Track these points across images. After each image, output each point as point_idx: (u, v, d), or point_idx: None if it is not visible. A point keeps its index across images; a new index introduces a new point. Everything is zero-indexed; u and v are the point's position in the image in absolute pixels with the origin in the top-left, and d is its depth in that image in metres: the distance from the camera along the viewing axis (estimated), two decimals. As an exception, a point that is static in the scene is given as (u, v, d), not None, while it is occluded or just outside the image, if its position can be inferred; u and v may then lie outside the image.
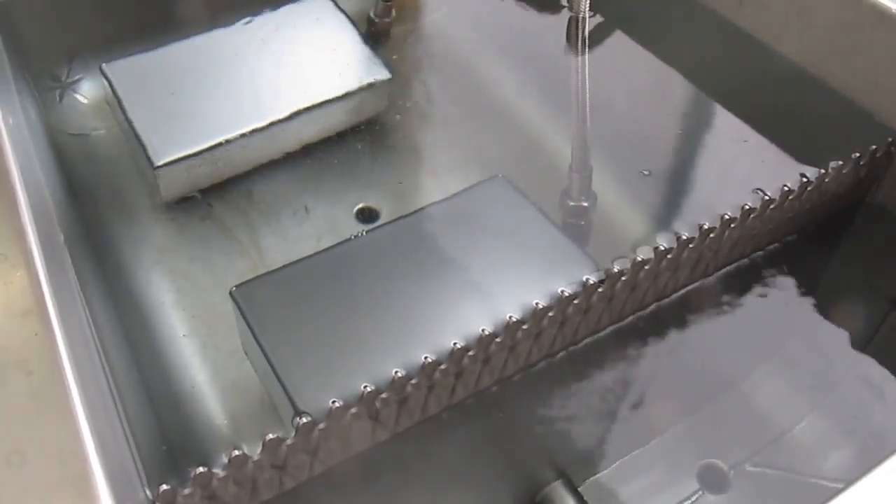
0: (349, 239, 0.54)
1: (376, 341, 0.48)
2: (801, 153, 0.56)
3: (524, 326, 0.44)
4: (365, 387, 0.40)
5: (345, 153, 0.67)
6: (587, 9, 0.58)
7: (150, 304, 0.59)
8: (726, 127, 0.63)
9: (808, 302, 0.58)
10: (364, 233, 0.55)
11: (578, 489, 0.54)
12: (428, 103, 0.71)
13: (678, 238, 0.48)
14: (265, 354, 0.48)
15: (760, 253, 0.55)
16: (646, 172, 0.61)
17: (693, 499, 0.55)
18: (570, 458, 0.55)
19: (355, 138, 0.68)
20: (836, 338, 0.57)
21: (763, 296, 0.57)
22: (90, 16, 0.70)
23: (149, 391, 0.54)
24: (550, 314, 0.45)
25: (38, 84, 0.69)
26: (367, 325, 0.49)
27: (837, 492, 0.37)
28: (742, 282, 0.56)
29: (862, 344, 0.57)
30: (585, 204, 0.59)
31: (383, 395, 0.41)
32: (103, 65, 0.66)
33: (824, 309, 0.58)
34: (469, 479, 0.54)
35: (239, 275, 0.60)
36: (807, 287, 0.58)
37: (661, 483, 0.55)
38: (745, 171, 0.59)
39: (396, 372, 0.41)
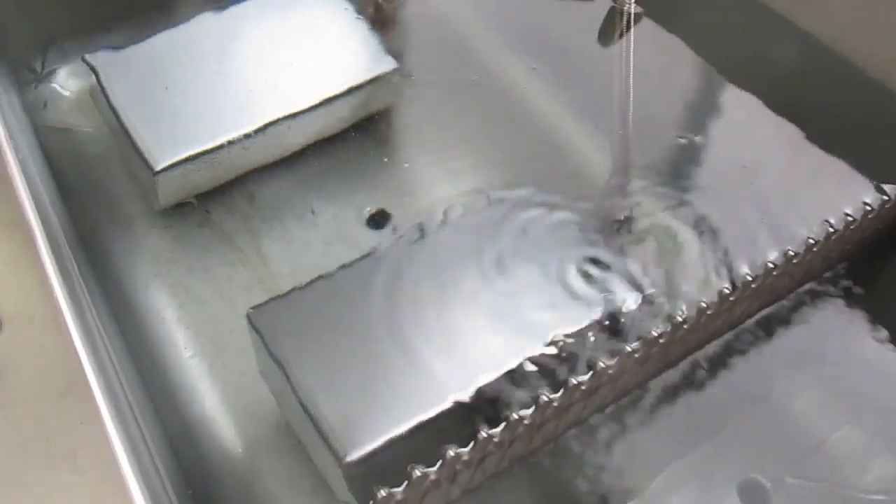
0: (373, 252, 0.51)
1: (412, 368, 0.45)
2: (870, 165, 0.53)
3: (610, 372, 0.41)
4: (447, 449, 0.37)
5: (351, 151, 0.63)
6: (633, 0, 0.53)
7: (150, 320, 0.56)
8: (783, 137, 0.60)
9: (850, 314, 0.57)
10: (391, 245, 0.52)
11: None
12: (438, 94, 0.67)
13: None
14: (295, 392, 0.44)
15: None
16: (689, 177, 0.58)
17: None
18: (609, 483, 0.53)
19: (362, 135, 0.64)
20: (877, 349, 0.56)
21: (805, 308, 0.56)
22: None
23: (158, 419, 0.50)
24: (637, 356, 0.42)
25: (18, 77, 0.64)
26: (401, 350, 0.46)
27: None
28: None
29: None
30: (623, 214, 0.56)
31: (465, 458, 0.37)
32: (87, 55, 0.60)
33: (866, 321, 0.56)
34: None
35: (243, 286, 0.57)
36: (850, 302, 0.56)
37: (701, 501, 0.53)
38: (803, 184, 0.56)
39: (481, 433, 0.37)
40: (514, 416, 0.38)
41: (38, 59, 0.66)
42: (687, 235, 0.55)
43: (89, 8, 0.67)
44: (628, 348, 0.41)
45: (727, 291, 0.43)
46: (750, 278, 0.43)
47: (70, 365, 0.34)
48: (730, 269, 0.45)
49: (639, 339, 0.42)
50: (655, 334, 0.42)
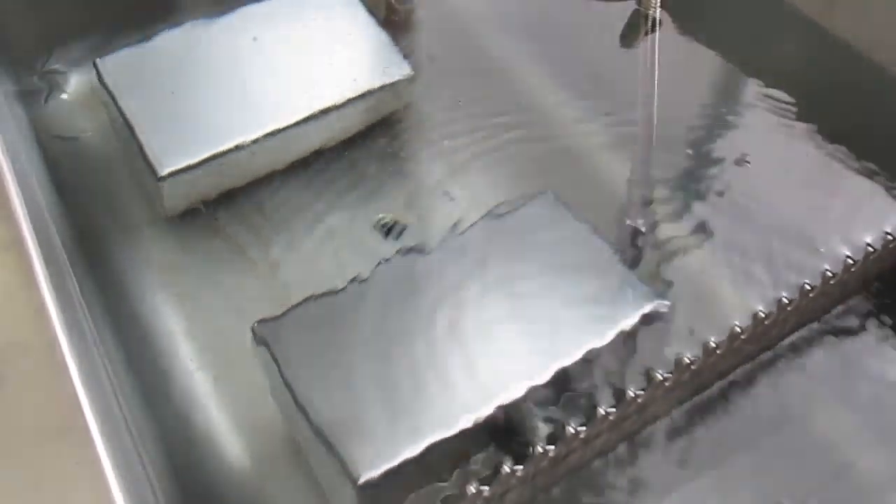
0: (386, 263, 0.49)
1: (425, 386, 0.43)
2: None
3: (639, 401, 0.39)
4: (468, 486, 0.35)
5: (363, 157, 0.61)
6: (658, 4, 0.51)
7: (156, 331, 0.54)
8: (819, 150, 0.58)
9: (882, 335, 0.54)
10: (403, 254, 0.50)
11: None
12: (454, 99, 0.65)
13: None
14: (302, 410, 0.43)
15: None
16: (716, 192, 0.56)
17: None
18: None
19: (374, 140, 0.62)
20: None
21: (836, 329, 0.53)
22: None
23: (163, 435, 0.49)
24: (668, 384, 0.40)
25: (20, 80, 0.63)
26: (415, 367, 0.44)
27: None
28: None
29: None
30: (642, 222, 0.54)
31: (486, 494, 0.35)
32: (97, 60, 0.59)
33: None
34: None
35: (252, 297, 0.55)
36: (883, 322, 0.54)
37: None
38: (840, 201, 0.53)
39: (504, 467, 0.35)
40: (539, 449, 0.36)
41: (42, 62, 0.65)
42: (716, 253, 0.53)
43: (94, 10, 0.66)
44: (659, 376, 0.39)
45: (762, 315, 0.41)
46: (786, 301, 0.41)
47: (67, 400, 0.32)
48: (764, 291, 0.43)
49: (670, 365, 0.40)
50: (687, 360, 0.40)
